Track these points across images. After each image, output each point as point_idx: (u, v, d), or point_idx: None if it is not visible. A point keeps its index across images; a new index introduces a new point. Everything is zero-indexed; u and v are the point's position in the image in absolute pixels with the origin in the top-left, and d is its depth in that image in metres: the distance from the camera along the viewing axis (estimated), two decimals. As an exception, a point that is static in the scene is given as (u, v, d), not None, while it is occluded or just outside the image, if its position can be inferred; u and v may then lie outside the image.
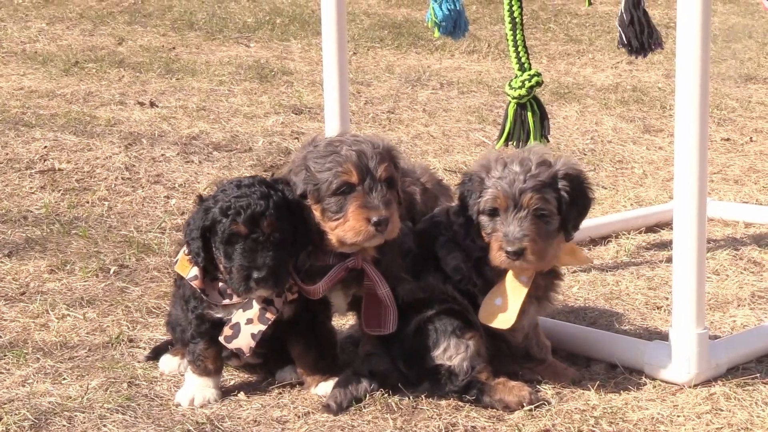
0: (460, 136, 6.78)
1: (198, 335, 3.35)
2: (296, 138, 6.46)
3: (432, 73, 8.63)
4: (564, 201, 3.25)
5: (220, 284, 3.28)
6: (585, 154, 6.53)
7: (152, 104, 7.06)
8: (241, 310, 3.28)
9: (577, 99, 7.85)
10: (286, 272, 3.22)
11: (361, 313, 3.35)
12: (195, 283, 3.27)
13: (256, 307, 3.26)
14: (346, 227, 3.19)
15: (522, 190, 3.21)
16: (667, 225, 5.02)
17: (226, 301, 3.28)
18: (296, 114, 7.08)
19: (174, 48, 9.24)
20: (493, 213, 3.25)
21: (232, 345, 3.26)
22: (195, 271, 3.26)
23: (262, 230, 3.16)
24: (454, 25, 4.14)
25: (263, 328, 3.24)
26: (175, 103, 7.14)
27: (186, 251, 3.27)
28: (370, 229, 3.15)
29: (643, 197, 5.70)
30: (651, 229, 5.15)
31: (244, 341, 3.24)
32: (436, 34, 4.17)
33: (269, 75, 8.22)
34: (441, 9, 4.12)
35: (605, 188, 5.86)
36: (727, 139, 6.95)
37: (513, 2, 3.94)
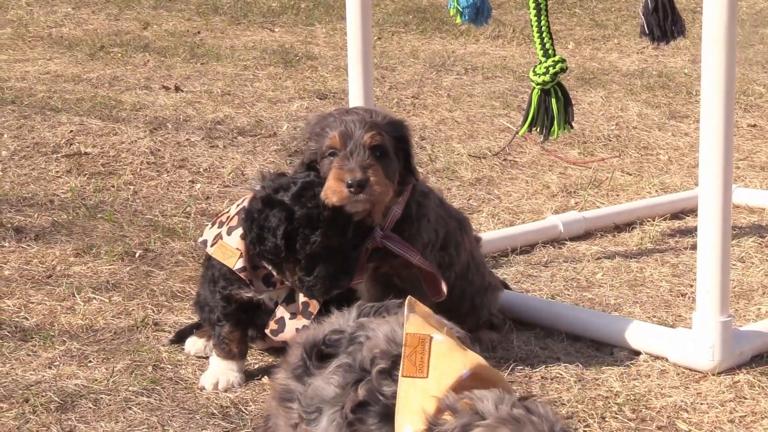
0: (485, 121, 6.77)
1: (224, 317, 3.37)
2: (320, 123, 6.46)
3: (456, 58, 8.61)
4: None
5: (264, 272, 3.30)
6: (610, 140, 6.50)
7: (177, 89, 7.08)
8: (284, 304, 3.32)
9: (603, 84, 7.81)
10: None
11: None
12: (243, 275, 3.29)
13: (298, 300, 3.30)
14: (326, 188, 3.22)
15: None
16: (693, 212, 4.99)
17: (270, 289, 3.31)
18: (320, 99, 7.08)
19: (199, 32, 9.25)
20: None
21: (278, 338, 3.31)
22: (242, 262, 3.27)
23: (348, 239, 3.20)
24: (477, 12, 4.12)
25: (307, 322, 3.27)
26: (199, 88, 7.16)
27: (253, 247, 3.24)
28: (344, 191, 3.18)
29: (668, 184, 5.68)
30: (676, 215, 5.13)
31: (289, 335, 3.27)
32: (459, 20, 4.15)
33: (294, 60, 8.22)
34: (464, -5, 4.10)
35: (630, 174, 5.84)
36: (754, 125, 6.91)
37: (538, -13, 3.92)
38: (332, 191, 3.20)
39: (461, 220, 3.70)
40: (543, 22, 3.96)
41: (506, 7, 10.69)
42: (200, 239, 3.46)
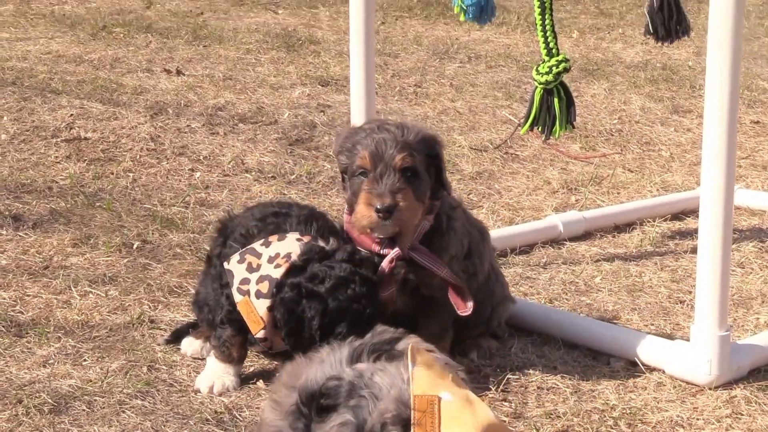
0: (487, 112, 6.74)
1: (228, 321, 3.32)
2: (322, 111, 6.43)
3: (460, 45, 8.57)
4: None
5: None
6: (612, 135, 6.47)
7: (179, 72, 7.05)
8: None
9: (606, 76, 7.77)
10: None
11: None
12: (263, 344, 3.29)
13: None
14: (356, 212, 3.24)
15: None
16: (694, 212, 4.97)
17: (287, 347, 3.27)
18: (322, 86, 7.04)
19: (202, 13, 9.21)
20: None
21: None
22: (263, 333, 3.24)
23: (367, 331, 3.14)
24: (481, 11, 4.09)
25: None
26: (201, 72, 7.12)
27: (289, 339, 3.19)
28: (373, 215, 3.19)
29: (670, 182, 5.65)
30: (677, 216, 5.11)
31: None
32: (462, 18, 4.12)
33: (296, 44, 8.18)
34: (468, -6, 4.07)
35: (632, 172, 5.82)
36: (757, 122, 6.87)
37: (542, -18, 3.88)
38: (362, 215, 3.21)
39: (482, 231, 3.69)
40: (547, 21, 3.93)
41: (511, -7, 10.63)
42: (226, 265, 3.31)
